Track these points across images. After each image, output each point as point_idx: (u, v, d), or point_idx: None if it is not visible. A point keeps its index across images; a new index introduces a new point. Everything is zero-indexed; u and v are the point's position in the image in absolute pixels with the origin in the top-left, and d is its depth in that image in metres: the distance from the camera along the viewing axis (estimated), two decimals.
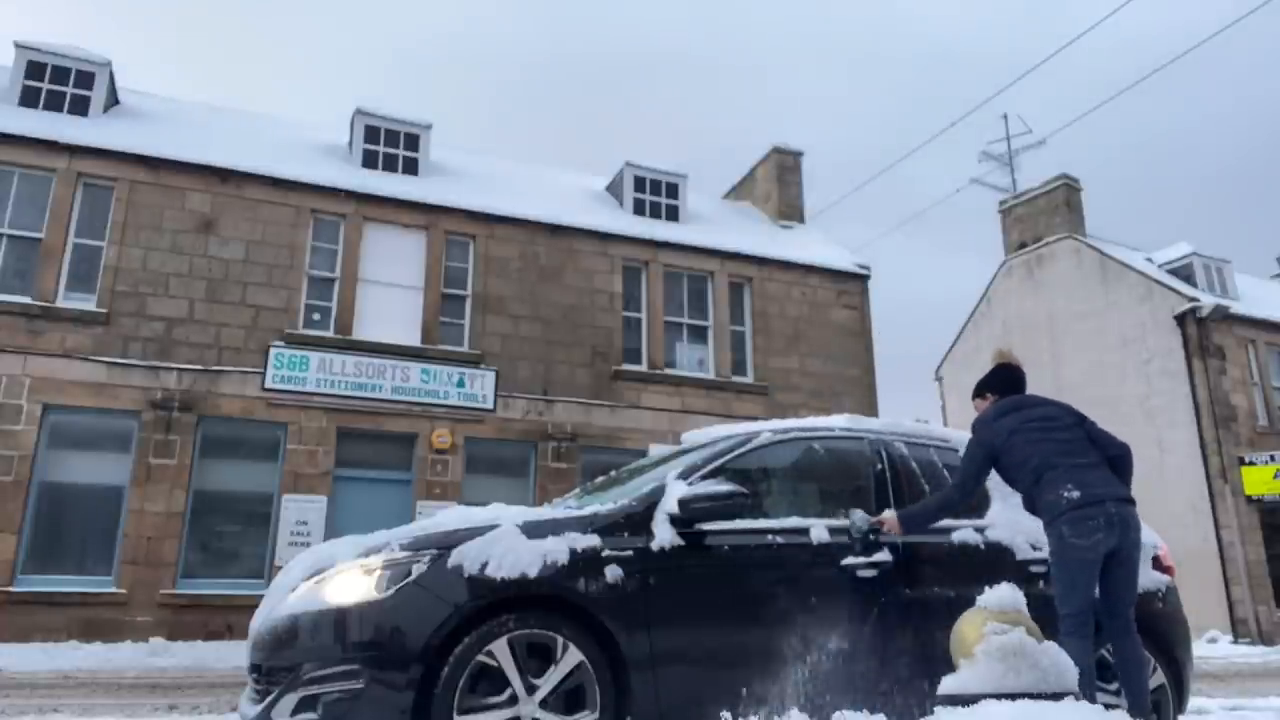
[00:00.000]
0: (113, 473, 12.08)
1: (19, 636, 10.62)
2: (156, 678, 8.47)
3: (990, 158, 25.86)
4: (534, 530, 3.55)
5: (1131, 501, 3.95)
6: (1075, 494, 3.86)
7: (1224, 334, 19.66)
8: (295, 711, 3.24)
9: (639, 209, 17.27)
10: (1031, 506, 4.09)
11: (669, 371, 15.71)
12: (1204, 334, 19.22)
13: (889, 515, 4.12)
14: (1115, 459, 4.06)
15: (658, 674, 3.51)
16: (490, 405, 14.07)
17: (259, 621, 3.56)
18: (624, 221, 16.46)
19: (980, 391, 4.50)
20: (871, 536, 4.08)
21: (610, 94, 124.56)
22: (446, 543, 3.45)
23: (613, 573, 3.55)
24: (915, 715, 3.62)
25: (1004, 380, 4.42)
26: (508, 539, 3.48)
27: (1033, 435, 4.05)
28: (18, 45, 13.83)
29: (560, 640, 3.40)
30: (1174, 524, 16.79)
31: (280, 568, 6.62)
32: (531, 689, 3.32)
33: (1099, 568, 3.86)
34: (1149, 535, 4.87)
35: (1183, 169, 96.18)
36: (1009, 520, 4.55)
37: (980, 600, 3.77)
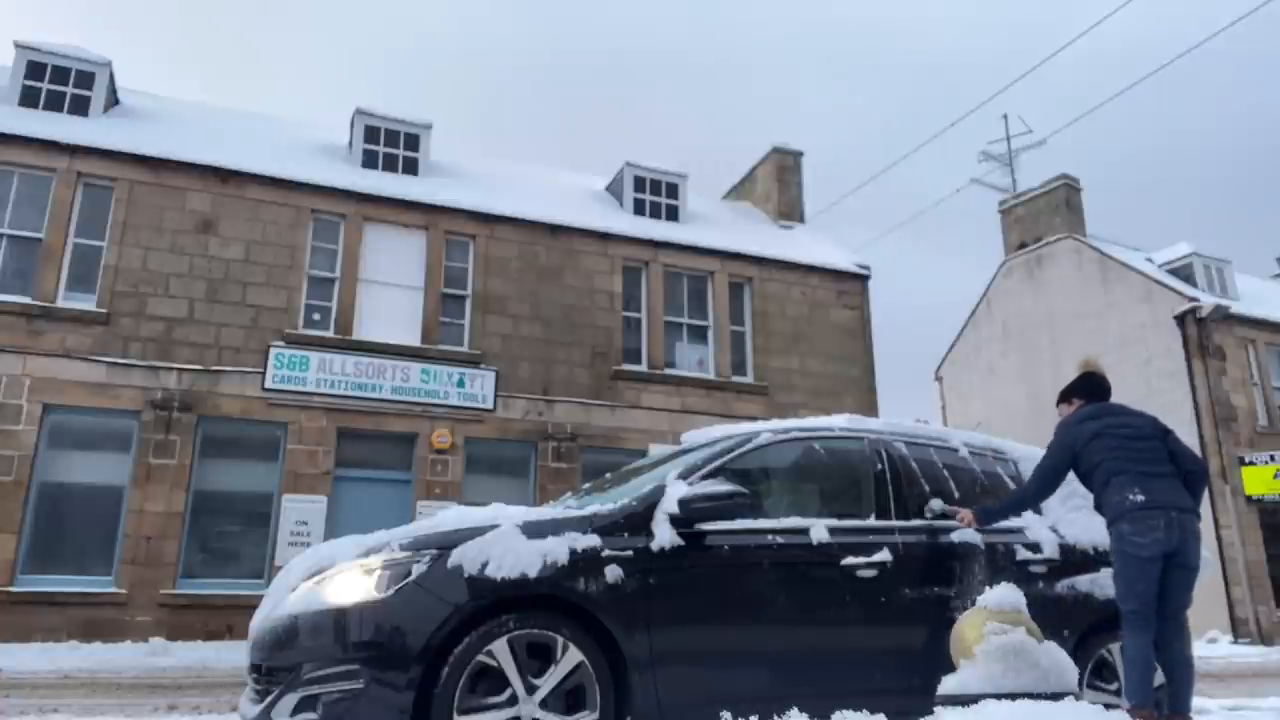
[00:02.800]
0: (113, 473, 12.08)
1: (19, 636, 10.61)
2: (156, 678, 8.47)
3: (990, 158, 25.85)
4: (534, 530, 3.55)
5: (1195, 514, 4.08)
6: (1140, 498, 4.00)
7: (1224, 334, 19.66)
8: (295, 711, 3.24)
9: (639, 209, 17.27)
10: (1099, 508, 4.24)
11: (669, 371, 15.70)
12: (1204, 334, 19.22)
13: (967, 512, 4.35)
14: (1190, 474, 4.19)
15: (658, 674, 3.51)
16: (490, 405, 14.07)
17: (259, 621, 3.56)
18: (624, 221, 16.46)
19: (1066, 397, 4.64)
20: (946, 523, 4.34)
21: (610, 94, 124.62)
22: (446, 543, 3.44)
23: (613, 573, 3.55)
24: (915, 715, 3.62)
25: (1090, 387, 4.58)
26: (508, 539, 3.48)
27: (1111, 442, 4.19)
28: (18, 45, 13.83)
29: (560, 640, 3.39)
30: None
31: (280, 568, 6.61)
32: (531, 689, 3.32)
33: (1158, 568, 3.96)
34: None
35: (1183, 169, 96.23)
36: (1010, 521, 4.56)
37: (980, 600, 3.78)
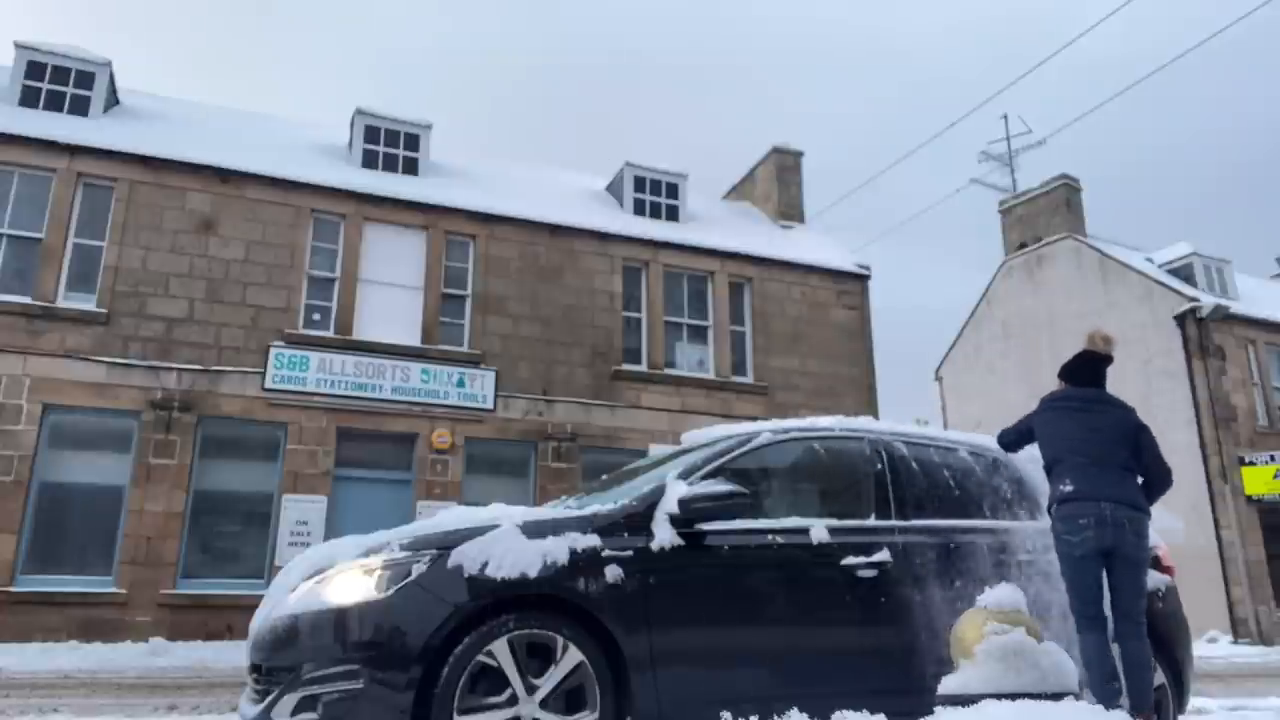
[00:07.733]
0: (113, 473, 12.07)
1: (19, 636, 10.61)
2: (156, 678, 8.47)
3: (990, 158, 25.85)
4: (534, 530, 3.55)
5: (1134, 506, 3.94)
6: (1069, 489, 3.94)
7: (1224, 334, 19.66)
8: (295, 711, 3.24)
9: (639, 209, 17.26)
10: None
11: (669, 371, 15.70)
12: (1204, 334, 19.21)
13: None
14: (1150, 481, 4.10)
15: (658, 674, 3.51)
16: (490, 405, 14.07)
17: (259, 621, 3.56)
18: (624, 221, 16.45)
19: (1060, 375, 4.54)
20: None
21: (610, 95, 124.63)
22: (446, 543, 3.44)
23: (613, 573, 3.55)
24: (915, 715, 3.62)
25: (1076, 371, 4.43)
26: (508, 539, 3.47)
27: (1063, 428, 4.13)
28: (18, 45, 13.83)
29: (560, 640, 3.39)
30: None
31: (280, 568, 6.61)
32: (531, 689, 3.31)
33: (1096, 565, 3.88)
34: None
35: (1183, 169, 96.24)
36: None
37: (980, 600, 3.78)
